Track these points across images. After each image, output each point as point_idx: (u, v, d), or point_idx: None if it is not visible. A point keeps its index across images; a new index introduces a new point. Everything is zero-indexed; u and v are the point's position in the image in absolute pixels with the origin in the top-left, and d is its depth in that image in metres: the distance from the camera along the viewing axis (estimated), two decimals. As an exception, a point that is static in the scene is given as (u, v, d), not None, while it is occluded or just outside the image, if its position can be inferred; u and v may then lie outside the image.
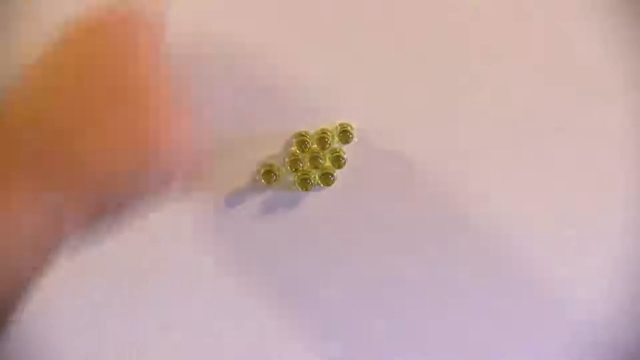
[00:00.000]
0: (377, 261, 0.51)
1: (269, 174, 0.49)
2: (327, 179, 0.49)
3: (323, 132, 0.49)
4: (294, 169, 0.49)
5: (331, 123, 0.49)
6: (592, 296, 0.52)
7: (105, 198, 0.37)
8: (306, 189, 0.49)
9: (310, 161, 0.48)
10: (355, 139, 0.49)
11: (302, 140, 0.48)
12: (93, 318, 0.51)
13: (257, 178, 0.50)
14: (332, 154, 0.49)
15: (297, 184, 0.50)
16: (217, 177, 0.50)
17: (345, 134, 0.48)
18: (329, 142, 0.48)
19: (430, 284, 0.52)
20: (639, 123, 0.50)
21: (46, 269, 0.37)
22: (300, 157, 0.49)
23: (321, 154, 0.49)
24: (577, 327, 0.52)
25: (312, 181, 0.49)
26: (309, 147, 0.49)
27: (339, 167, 0.49)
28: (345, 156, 0.49)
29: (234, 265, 0.51)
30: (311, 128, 0.49)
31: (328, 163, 0.49)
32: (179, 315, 0.52)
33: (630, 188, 0.50)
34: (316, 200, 0.50)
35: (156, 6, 0.39)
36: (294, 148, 0.49)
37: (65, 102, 0.36)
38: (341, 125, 0.49)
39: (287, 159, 0.49)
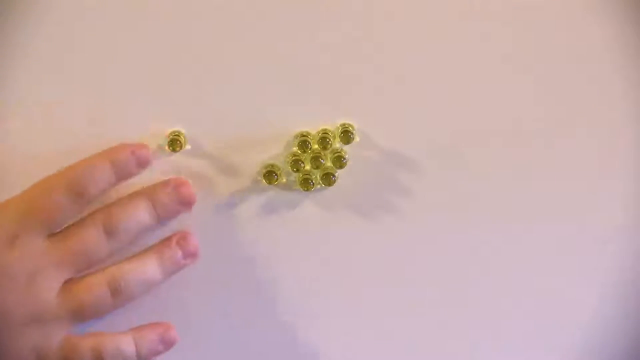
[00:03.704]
0: (378, 261, 0.51)
1: (270, 174, 0.49)
2: (328, 179, 0.49)
3: (324, 133, 0.49)
4: (295, 169, 0.49)
5: (332, 123, 0.49)
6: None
7: None
8: (307, 189, 0.49)
9: (312, 161, 0.48)
10: (356, 139, 0.49)
11: (303, 141, 0.48)
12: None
13: (258, 178, 0.50)
14: (334, 154, 0.49)
15: (298, 184, 0.50)
16: (218, 178, 0.50)
17: (346, 134, 0.48)
18: (330, 142, 0.48)
19: (431, 283, 0.52)
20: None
21: None
22: (302, 157, 0.49)
23: (322, 154, 0.48)
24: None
25: (314, 181, 0.49)
26: (310, 148, 0.49)
27: (341, 167, 0.49)
28: (346, 156, 0.49)
29: (235, 265, 0.51)
30: (312, 128, 0.49)
31: (329, 163, 0.49)
32: (179, 315, 0.51)
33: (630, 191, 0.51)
34: (317, 200, 0.50)
35: None
36: (295, 148, 0.49)
37: None
38: (342, 125, 0.49)
39: (288, 159, 0.49)
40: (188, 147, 0.49)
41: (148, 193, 0.47)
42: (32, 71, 0.48)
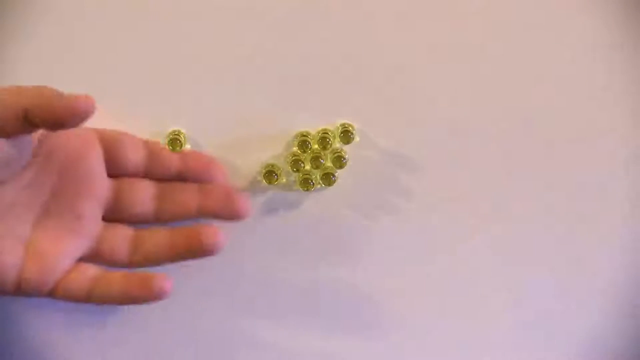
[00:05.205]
0: (378, 261, 0.51)
1: (270, 174, 0.49)
2: (328, 179, 0.49)
3: (324, 132, 0.49)
4: (295, 169, 0.49)
5: (332, 123, 0.49)
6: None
7: None
8: (307, 189, 0.49)
9: (312, 161, 0.48)
10: (356, 139, 0.49)
11: (303, 141, 0.48)
12: (94, 320, 0.51)
13: (258, 178, 0.50)
14: (333, 154, 0.49)
15: (298, 184, 0.50)
16: (218, 178, 0.50)
17: (346, 134, 0.48)
18: (330, 142, 0.48)
19: (430, 283, 0.52)
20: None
21: None
22: (302, 157, 0.49)
23: (322, 154, 0.48)
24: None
25: (314, 181, 0.49)
26: (310, 148, 0.49)
27: (340, 167, 0.49)
28: (346, 156, 0.49)
29: (235, 265, 0.51)
30: (312, 128, 0.49)
31: (329, 163, 0.49)
32: (179, 316, 0.52)
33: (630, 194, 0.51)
34: (317, 200, 0.50)
35: None
36: (295, 148, 0.49)
37: None
38: (342, 125, 0.49)
39: (288, 159, 0.49)
40: (188, 147, 0.49)
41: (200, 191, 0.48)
42: (33, 71, 0.48)
